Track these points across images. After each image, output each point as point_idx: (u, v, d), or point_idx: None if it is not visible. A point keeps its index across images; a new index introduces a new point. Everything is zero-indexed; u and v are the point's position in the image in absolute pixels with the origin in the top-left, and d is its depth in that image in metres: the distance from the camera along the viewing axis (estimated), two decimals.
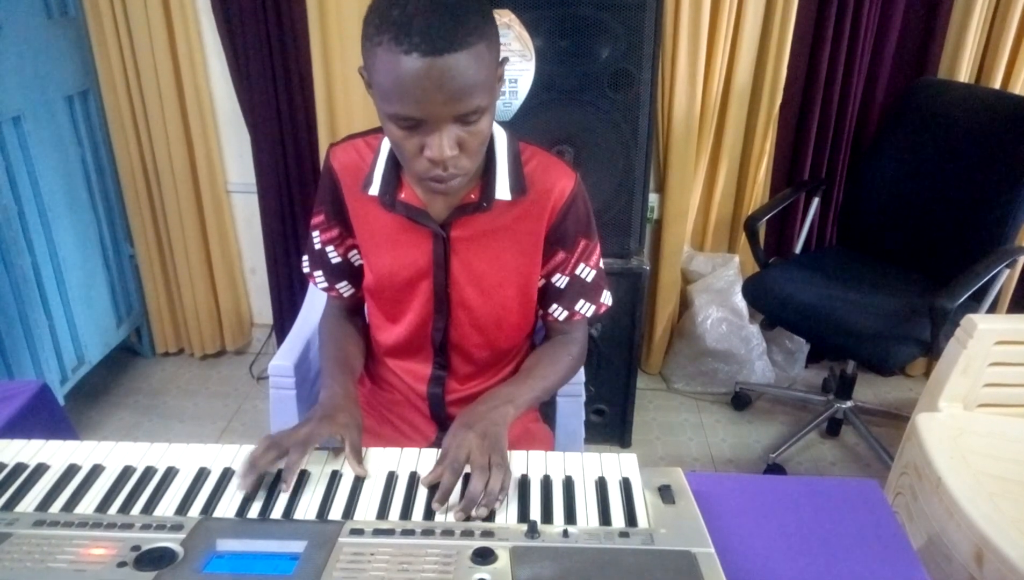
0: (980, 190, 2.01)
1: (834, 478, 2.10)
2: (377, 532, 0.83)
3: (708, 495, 0.93)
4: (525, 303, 1.19)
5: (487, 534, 0.83)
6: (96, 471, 0.95)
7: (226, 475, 0.94)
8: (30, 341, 2.13)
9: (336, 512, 0.88)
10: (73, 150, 2.31)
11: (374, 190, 1.09)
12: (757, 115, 2.30)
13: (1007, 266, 1.91)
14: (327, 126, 2.32)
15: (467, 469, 0.92)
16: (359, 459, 0.96)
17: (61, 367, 2.28)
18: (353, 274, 1.23)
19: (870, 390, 2.60)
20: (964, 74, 2.22)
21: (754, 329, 2.51)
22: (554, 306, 1.19)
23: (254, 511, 0.88)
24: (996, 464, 1.44)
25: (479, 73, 0.89)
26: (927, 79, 2.22)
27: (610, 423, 2.29)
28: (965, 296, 1.80)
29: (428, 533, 0.83)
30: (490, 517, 0.87)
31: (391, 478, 0.94)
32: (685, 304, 2.58)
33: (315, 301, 1.44)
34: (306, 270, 1.25)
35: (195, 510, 0.88)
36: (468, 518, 0.86)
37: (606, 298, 1.21)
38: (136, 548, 0.80)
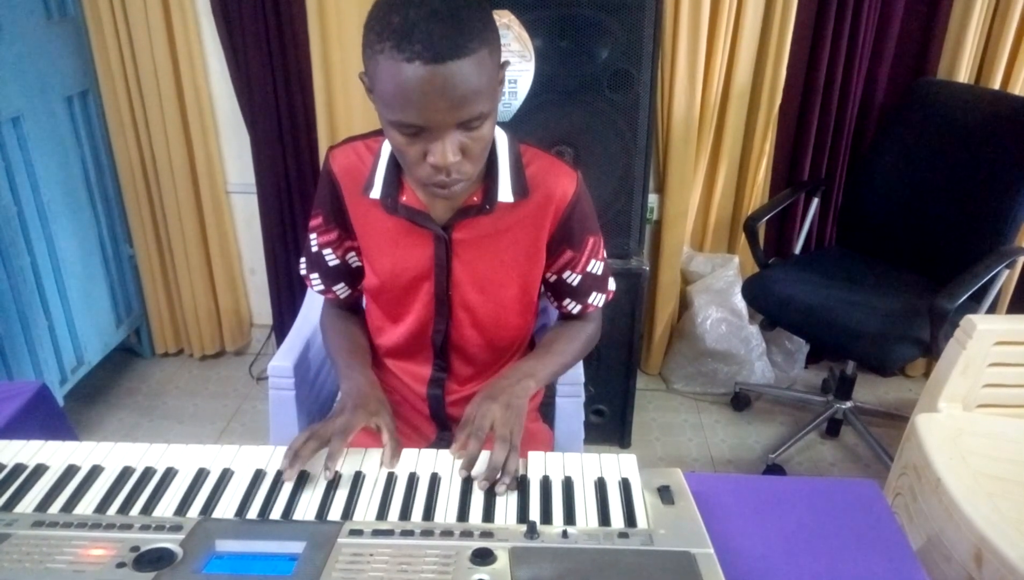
0: (980, 190, 2.01)
1: (834, 479, 2.10)
2: (376, 533, 0.83)
3: (707, 496, 0.93)
4: (526, 303, 1.19)
5: (486, 535, 0.83)
6: (95, 472, 0.95)
7: (225, 475, 0.94)
8: (29, 342, 2.13)
9: (335, 513, 0.88)
10: (73, 151, 2.31)
11: (375, 193, 1.09)
12: (757, 115, 2.30)
13: (1007, 266, 1.91)
14: (327, 127, 2.32)
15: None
16: (399, 445, 0.98)
17: (60, 368, 2.28)
18: (350, 275, 1.23)
19: (870, 390, 2.60)
20: (964, 74, 2.22)
21: (754, 330, 2.51)
22: (568, 300, 1.22)
23: (253, 512, 0.88)
24: (995, 465, 1.44)
25: (481, 79, 0.89)
26: (927, 79, 2.22)
27: (610, 423, 2.29)
28: (965, 296, 1.80)
29: (427, 534, 0.83)
30: (489, 518, 0.87)
31: (390, 478, 0.94)
32: (685, 305, 2.58)
33: (314, 302, 1.44)
34: (303, 272, 1.25)
35: (194, 511, 0.88)
36: (491, 488, 0.90)
37: (612, 284, 1.25)
38: (135, 549, 0.80)
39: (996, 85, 2.21)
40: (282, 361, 1.35)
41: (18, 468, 0.96)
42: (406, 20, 0.85)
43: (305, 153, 2.41)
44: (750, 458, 2.30)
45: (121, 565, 0.78)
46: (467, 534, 0.83)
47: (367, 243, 1.16)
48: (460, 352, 1.22)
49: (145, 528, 0.84)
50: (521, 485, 0.93)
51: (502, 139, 1.09)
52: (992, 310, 2.05)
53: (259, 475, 0.94)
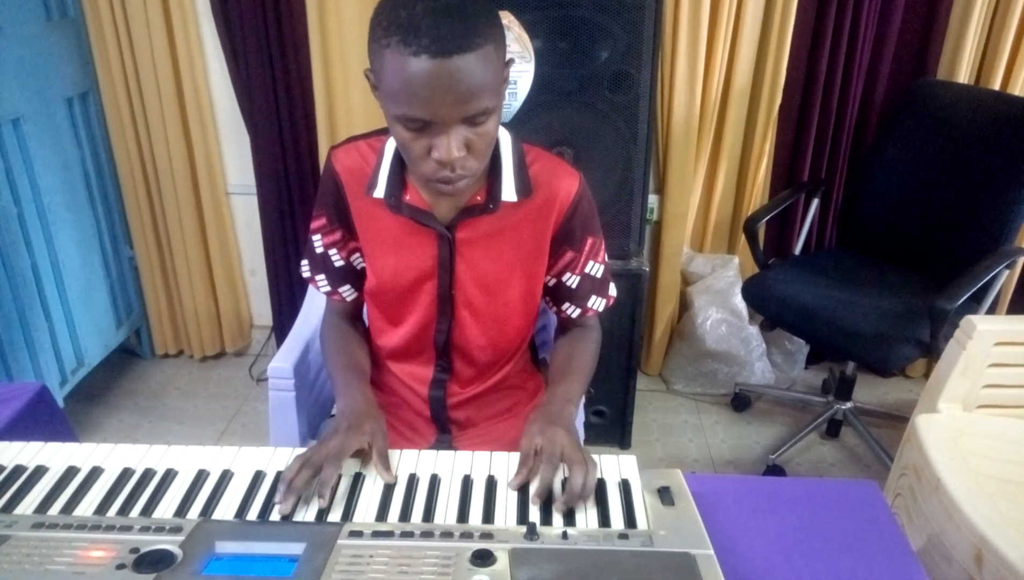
0: (980, 191, 2.01)
1: (834, 479, 2.10)
2: (376, 534, 0.83)
3: (708, 497, 0.93)
4: (529, 303, 1.19)
5: (486, 536, 0.83)
6: (95, 473, 0.95)
7: (225, 477, 0.94)
8: (29, 343, 2.13)
9: (335, 514, 0.88)
10: (73, 152, 2.31)
11: (379, 192, 1.09)
12: (756, 116, 2.30)
13: (1007, 267, 1.91)
14: (327, 127, 2.32)
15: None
16: (388, 466, 0.96)
17: (60, 369, 2.28)
18: (356, 277, 1.23)
19: (870, 391, 2.60)
20: (964, 75, 2.22)
21: (754, 330, 2.51)
22: (567, 305, 1.22)
23: (253, 513, 0.88)
24: (995, 465, 1.44)
25: (487, 74, 0.89)
26: (927, 80, 2.22)
27: (610, 424, 2.29)
28: (965, 297, 1.80)
29: (427, 535, 0.83)
30: (489, 519, 0.87)
31: None
32: (685, 305, 2.58)
33: (314, 303, 1.44)
34: (306, 274, 1.24)
35: (194, 512, 0.88)
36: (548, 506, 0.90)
37: (612, 290, 1.24)
38: (135, 550, 0.80)
39: (996, 86, 2.21)
40: (282, 362, 1.35)
41: (18, 469, 0.96)
42: (413, 15, 0.86)
43: (305, 154, 2.41)
44: (750, 459, 2.30)
45: (121, 567, 0.78)
46: (467, 535, 0.83)
47: (369, 243, 1.16)
48: (462, 353, 1.22)
49: (145, 529, 0.84)
50: (520, 485, 0.93)
51: (505, 138, 1.09)
52: (992, 310, 2.05)
53: (259, 476, 0.94)
